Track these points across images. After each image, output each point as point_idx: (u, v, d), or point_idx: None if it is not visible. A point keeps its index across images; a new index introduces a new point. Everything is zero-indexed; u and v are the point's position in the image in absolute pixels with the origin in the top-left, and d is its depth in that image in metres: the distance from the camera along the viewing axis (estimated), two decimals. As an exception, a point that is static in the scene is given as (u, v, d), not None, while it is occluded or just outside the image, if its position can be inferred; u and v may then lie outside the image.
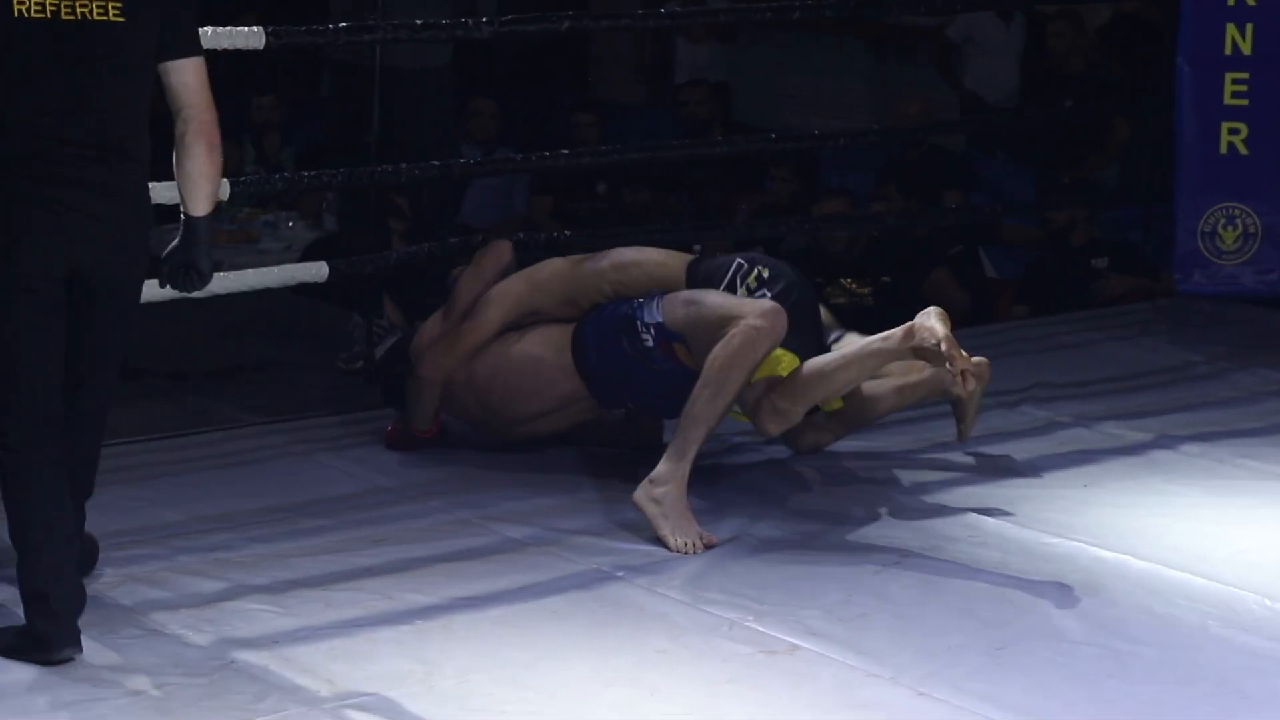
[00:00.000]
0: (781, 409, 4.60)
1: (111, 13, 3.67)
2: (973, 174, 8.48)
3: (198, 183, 3.80)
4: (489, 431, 5.04)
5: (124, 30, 3.69)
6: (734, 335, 4.50)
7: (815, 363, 4.62)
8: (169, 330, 6.23)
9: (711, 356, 4.51)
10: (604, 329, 4.78)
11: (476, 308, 5.01)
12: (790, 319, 4.59)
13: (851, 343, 4.75)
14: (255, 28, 5.05)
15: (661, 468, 4.43)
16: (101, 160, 3.70)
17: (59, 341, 3.73)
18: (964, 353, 4.42)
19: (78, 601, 3.73)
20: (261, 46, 5.08)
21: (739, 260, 4.83)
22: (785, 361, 4.60)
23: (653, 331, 4.70)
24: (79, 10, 3.64)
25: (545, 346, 4.88)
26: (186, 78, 3.77)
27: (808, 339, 4.71)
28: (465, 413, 5.05)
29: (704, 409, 4.47)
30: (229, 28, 4.99)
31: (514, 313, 4.98)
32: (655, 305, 4.71)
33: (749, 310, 4.56)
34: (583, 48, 12.64)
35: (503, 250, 5.19)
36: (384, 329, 5.95)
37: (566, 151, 6.35)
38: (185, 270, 3.87)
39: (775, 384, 4.59)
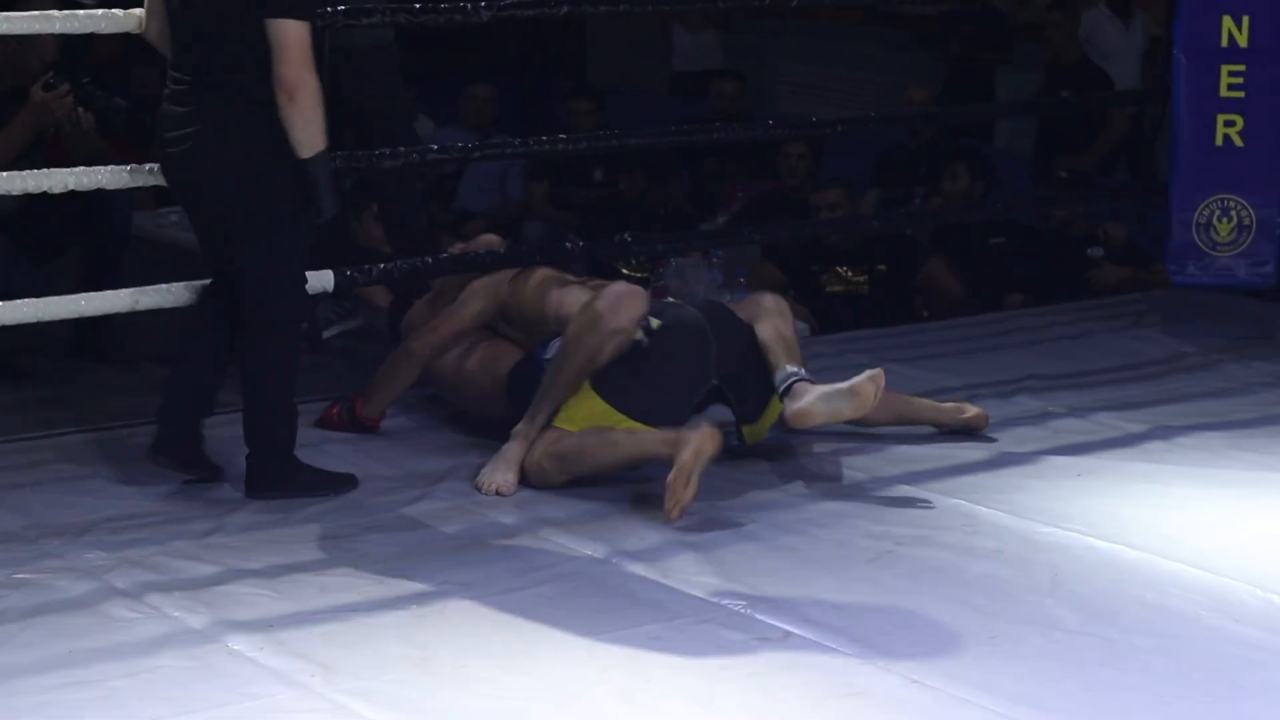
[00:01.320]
0: (546, 469, 4.65)
1: None
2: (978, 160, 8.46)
3: (287, 129, 4.30)
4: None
5: None
6: (581, 312, 4.69)
7: (588, 438, 4.64)
8: (166, 315, 6.24)
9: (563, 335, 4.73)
10: (527, 372, 4.92)
11: (462, 297, 5.15)
12: (648, 384, 4.65)
13: (800, 392, 4.70)
14: (133, 12, 5.02)
15: (516, 427, 4.71)
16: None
17: None
18: (687, 488, 4.37)
19: None
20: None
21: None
22: (600, 415, 4.65)
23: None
24: None
25: (487, 373, 5.03)
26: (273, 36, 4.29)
27: (656, 410, 4.67)
28: (435, 385, 5.24)
29: (548, 382, 4.71)
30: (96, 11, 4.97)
31: (493, 310, 5.11)
32: (553, 344, 4.85)
33: (602, 292, 4.72)
34: (580, 33, 12.65)
35: (492, 244, 5.32)
36: (342, 311, 5.94)
37: (564, 136, 6.32)
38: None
39: (559, 439, 4.64)
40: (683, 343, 4.76)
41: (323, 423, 5.12)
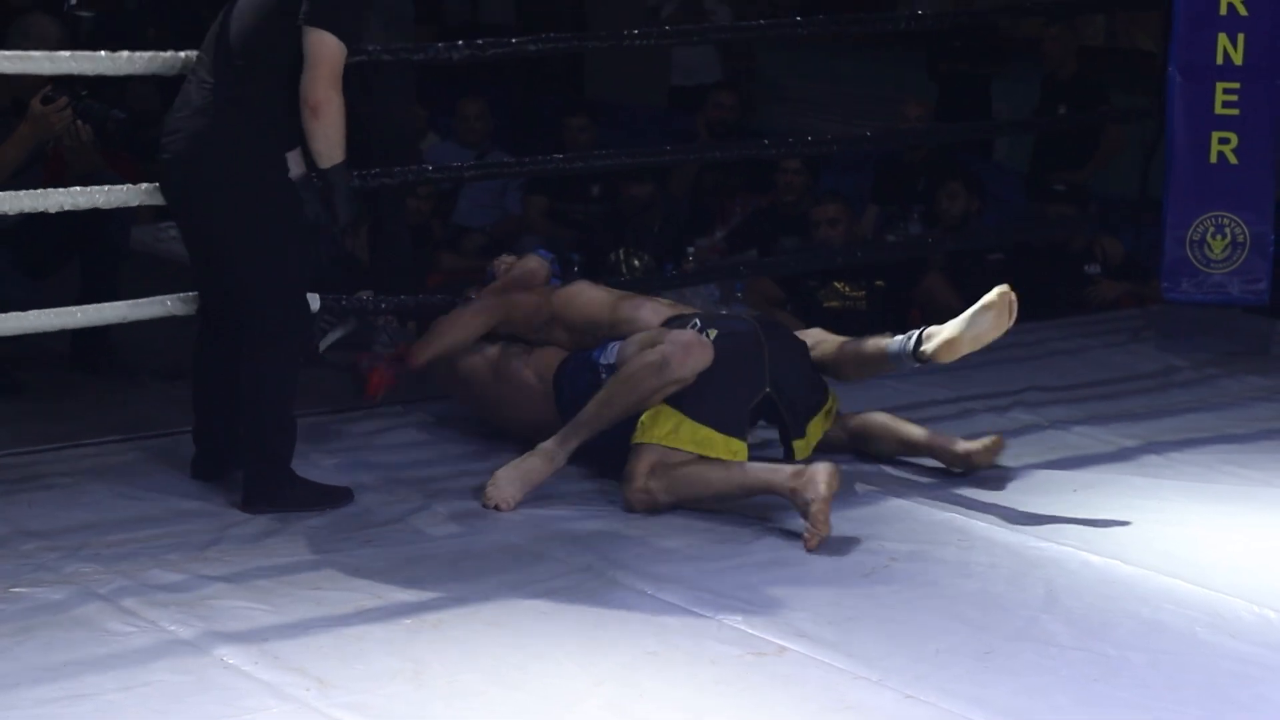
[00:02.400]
0: (652, 490, 4.62)
1: None
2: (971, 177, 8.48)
3: (308, 140, 4.40)
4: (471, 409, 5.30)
5: None
6: (648, 353, 4.66)
7: (702, 469, 4.63)
8: (161, 329, 6.25)
9: (622, 364, 4.71)
10: (576, 369, 4.93)
11: (471, 306, 5.21)
12: (717, 389, 4.66)
13: (933, 332, 4.85)
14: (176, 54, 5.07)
15: (544, 444, 4.68)
16: None
17: None
18: (828, 523, 4.41)
19: None
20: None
21: (696, 319, 4.90)
22: (686, 433, 4.63)
23: (605, 374, 4.82)
24: None
25: (536, 373, 5.03)
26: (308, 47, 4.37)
27: (728, 416, 4.69)
28: (452, 390, 5.28)
29: (592, 411, 4.70)
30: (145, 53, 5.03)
31: (496, 321, 5.17)
32: (611, 349, 4.87)
33: (669, 337, 4.70)
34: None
35: (537, 271, 5.32)
36: (334, 319, 5.94)
37: (559, 155, 6.34)
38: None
39: (660, 462, 4.62)
40: (738, 349, 4.78)
41: (373, 388, 5.28)
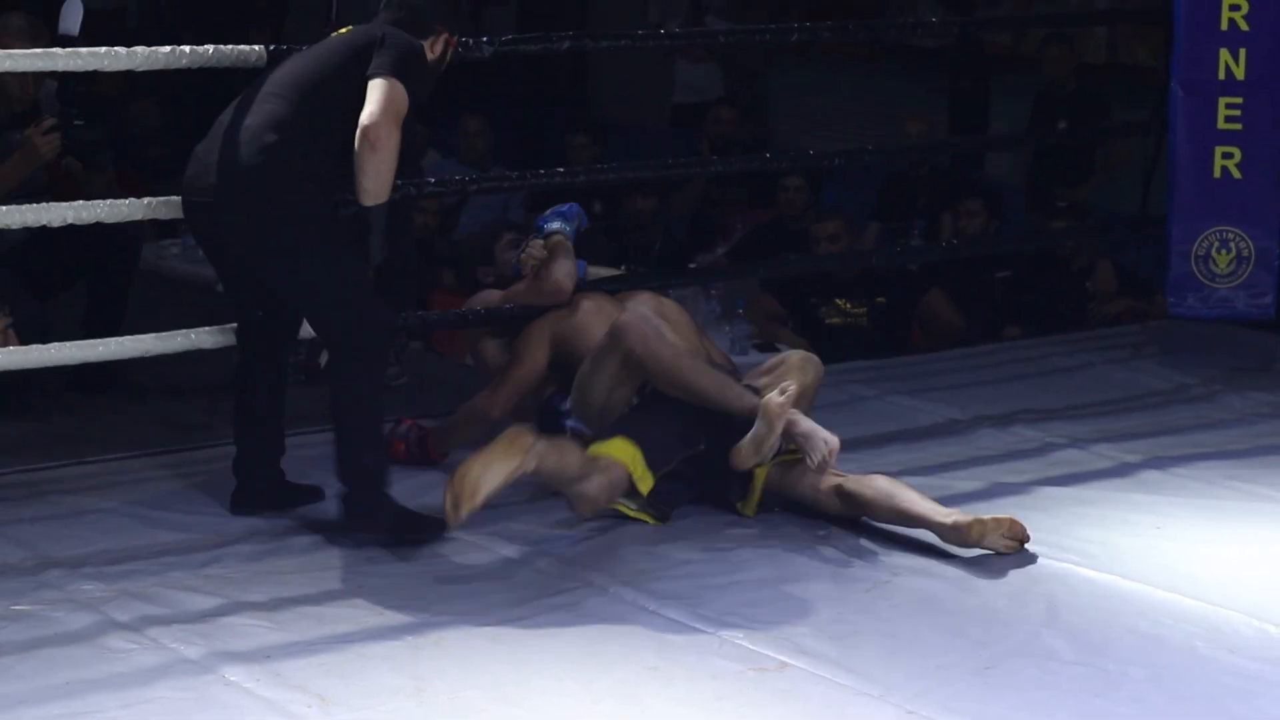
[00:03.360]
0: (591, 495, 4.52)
1: None
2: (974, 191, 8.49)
3: (357, 174, 4.35)
4: None
5: None
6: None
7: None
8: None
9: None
10: (545, 417, 5.03)
11: (518, 346, 5.12)
12: (650, 421, 4.60)
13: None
14: (257, 47, 5.08)
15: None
16: None
17: None
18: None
19: None
20: (263, 64, 5.10)
21: None
22: (617, 452, 4.55)
23: (566, 421, 4.91)
24: None
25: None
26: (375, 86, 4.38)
27: (655, 446, 4.60)
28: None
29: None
30: (230, 46, 5.02)
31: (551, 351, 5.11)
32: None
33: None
34: (580, 64, 12.69)
35: (562, 287, 5.16)
36: None
37: (561, 170, 6.33)
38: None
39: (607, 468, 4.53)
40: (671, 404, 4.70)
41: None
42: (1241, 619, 4.10)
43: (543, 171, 6.06)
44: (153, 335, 4.96)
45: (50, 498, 4.81)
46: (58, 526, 4.59)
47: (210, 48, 4.94)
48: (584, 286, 5.25)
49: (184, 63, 4.91)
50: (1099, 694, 3.73)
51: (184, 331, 4.94)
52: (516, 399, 5.08)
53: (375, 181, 4.37)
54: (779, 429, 4.48)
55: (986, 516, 4.48)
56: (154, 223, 8.39)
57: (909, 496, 4.59)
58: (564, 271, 5.18)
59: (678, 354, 4.67)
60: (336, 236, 4.48)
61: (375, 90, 4.36)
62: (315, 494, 4.75)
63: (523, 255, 5.32)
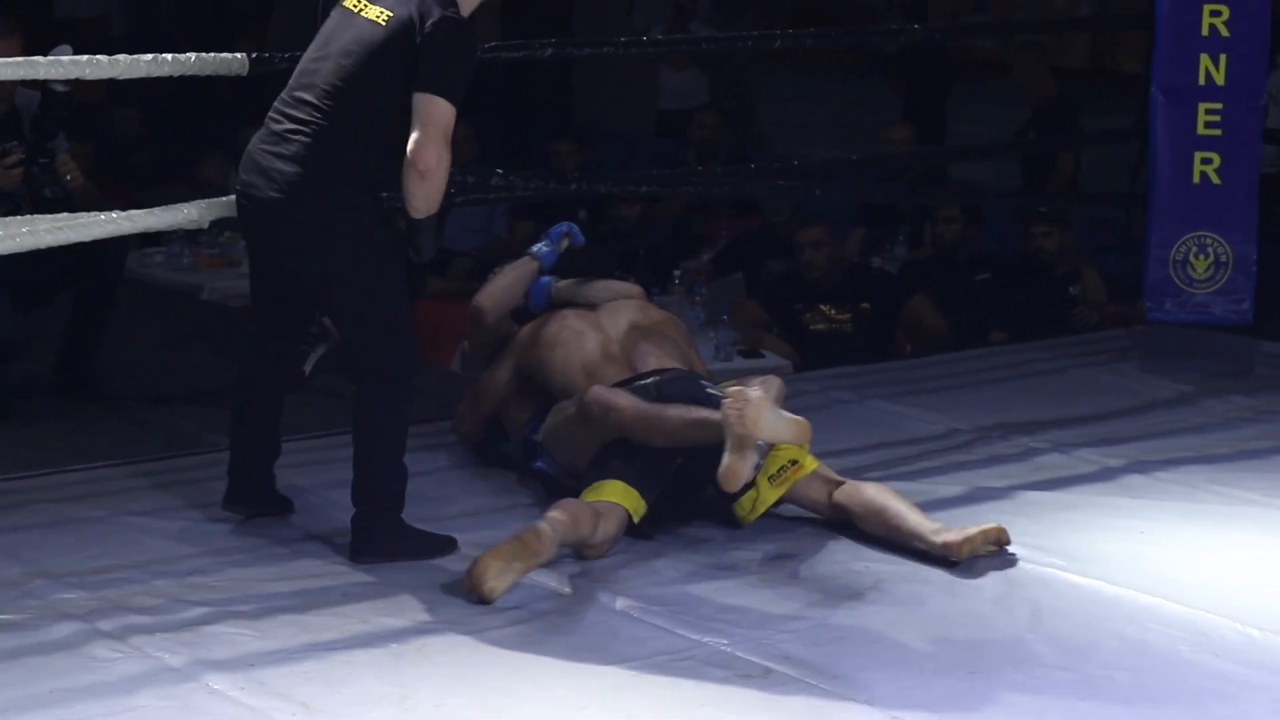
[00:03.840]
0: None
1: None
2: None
3: (407, 196, 4.28)
4: None
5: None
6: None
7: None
8: (147, 355, 6.26)
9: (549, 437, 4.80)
10: (526, 444, 5.02)
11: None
12: (629, 453, 4.57)
13: None
14: (239, 54, 5.08)
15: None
16: None
17: None
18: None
19: None
20: (245, 73, 5.11)
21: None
22: (612, 494, 4.54)
23: (537, 454, 4.93)
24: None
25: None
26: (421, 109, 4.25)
27: (642, 475, 4.58)
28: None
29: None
30: (213, 54, 5.02)
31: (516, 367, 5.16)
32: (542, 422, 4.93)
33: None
34: (565, 72, 12.70)
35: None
36: (313, 336, 5.93)
37: (550, 182, 6.33)
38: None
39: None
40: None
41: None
42: (1226, 623, 4.11)
43: (527, 183, 6.01)
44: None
45: (34, 506, 4.80)
46: (41, 535, 4.58)
47: (193, 56, 4.94)
48: (545, 303, 5.24)
49: (166, 71, 4.90)
50: (1084, 698, 3.74)
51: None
52: (483, 410, 5.15)
53: (426, 203, 4.29)
54: (748, 442, 4.37)
55: (972, 530, 4.45)
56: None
57: (898, 510, 4.55)
58: (489, 296, 5.22)
59: (639, 415, 4.60)
60: (390, 255, 4.42)
61: (421, 111, 4.22)
62: (288, 505, 4.74)
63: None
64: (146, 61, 4.86)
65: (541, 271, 5.23)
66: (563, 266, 5.28)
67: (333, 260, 4.34)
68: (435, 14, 4.26)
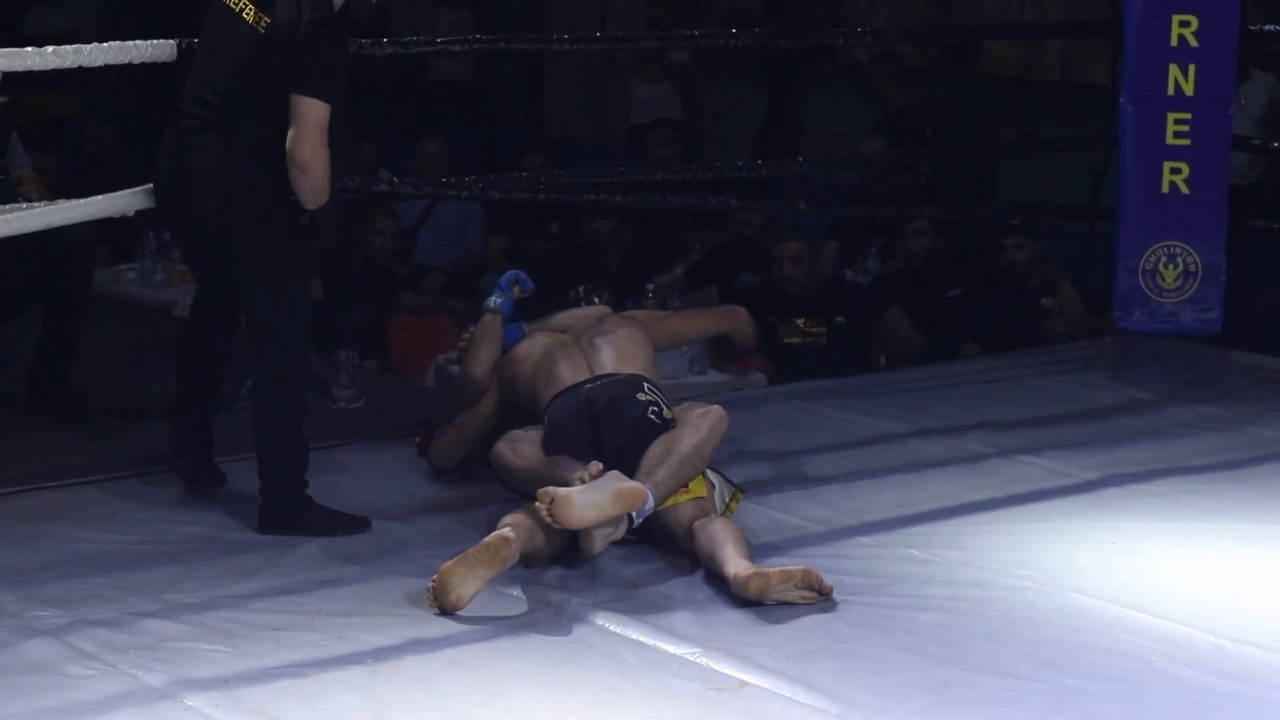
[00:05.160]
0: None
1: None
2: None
3: (295, 190, 4.54)
4: None
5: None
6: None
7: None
8: (122, 370, 6.24)
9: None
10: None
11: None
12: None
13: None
14: (169, 42, 5.04)
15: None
16: None
17: None
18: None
19: None
20: (174, 59, 5.06)
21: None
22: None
23: None
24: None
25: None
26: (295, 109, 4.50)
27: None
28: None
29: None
30: (142, 41, 5.00)
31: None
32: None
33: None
34: (537, 85, 12.72)
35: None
36: (347, 383, 5.96)
37: (523, 185, 6.31)
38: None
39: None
40: (566, 415, 4.73)
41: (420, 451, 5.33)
42: (1199, 634, 4.13)
43: (493, 186, 6.00)
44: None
45: (6, 523, 4.78)
46: (15, 553, 4.56)
47: (127, 43, 4.93)
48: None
49: (99, 60, 4.87)
50: (1057, 710, 3.75)
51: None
52: (464, 448, 5.17)
53: (313, 194, 4.57)
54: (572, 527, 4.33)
55: (773, 570, 4.28)
56: (110, 248, 8.41)
57: (722, 542, 4.39)
58: (477, 363, 5.18)
59: (524, 466, 4.70)
60: (295, 234, 4.67)
61: (297, 112, 4.48)
62: (221, 478, 5.00)
63: (459, 345, 5.44)
64: (71, 52, 4.84)
65: (505, 321, 5.22)
66: (522, 311, 5.30)
67: (242, 232, 4.61)
68: (307, 14, 4.53)
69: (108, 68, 5.03)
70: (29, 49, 4.78)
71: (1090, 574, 4.51)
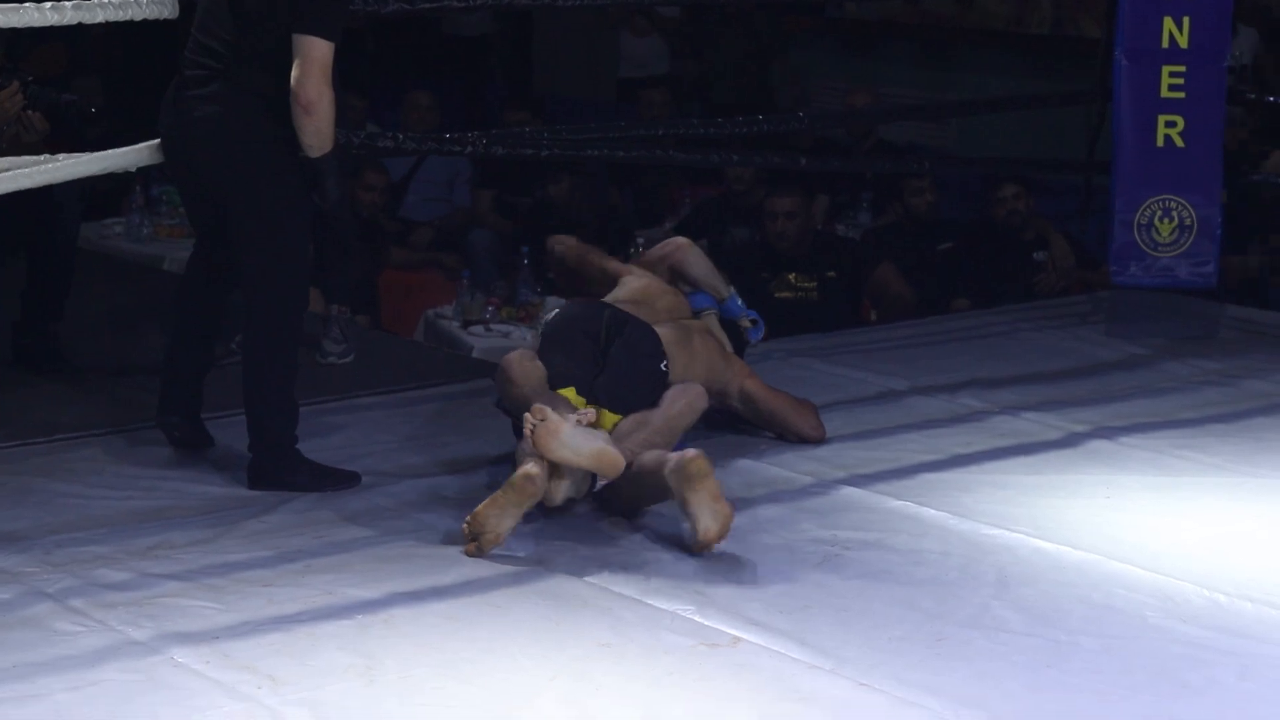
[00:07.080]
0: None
1: None
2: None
3: (299, 133, 4.51)
4: None
5: None
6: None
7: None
8: (107, 328, 6.21)
9: None
10: None
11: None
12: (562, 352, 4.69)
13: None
14: None
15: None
16: None
17: None
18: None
19: None
20: (176, 15, 5.01)
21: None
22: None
23: None
24: None
25: None
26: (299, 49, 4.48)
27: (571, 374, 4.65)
28: None
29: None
30: None
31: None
32: None
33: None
34: (524, 40, 12.64)
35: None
36: (339, 339, 5.92)
37: (502, 137, 6.27)
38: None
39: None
40: (574, 317, 4.80)
41: None
42: (1192, 588, 4.12)
43: (482, 139, 5.95)
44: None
45: (-6, 479, 4.77)
46: (2, 509, 4.54)
47: None
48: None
49: (99, 16, 4.81)
50: (1050, 664, 3.75)
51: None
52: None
53: (317, 138, 4.53)
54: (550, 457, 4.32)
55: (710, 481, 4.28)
56: (95, 202, 8.35)
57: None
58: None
59: (524, 385, 4.64)
60: (298, 189, 4.62)
61: (300, 50, 4.46)
62: (209, 440, 4.96)
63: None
64: (71, 8, 4.75)
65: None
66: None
67: (245, 183, 4.59)
68: None
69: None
70: (27, 4, 4.68)
71: (1084, 529, 4.50)
